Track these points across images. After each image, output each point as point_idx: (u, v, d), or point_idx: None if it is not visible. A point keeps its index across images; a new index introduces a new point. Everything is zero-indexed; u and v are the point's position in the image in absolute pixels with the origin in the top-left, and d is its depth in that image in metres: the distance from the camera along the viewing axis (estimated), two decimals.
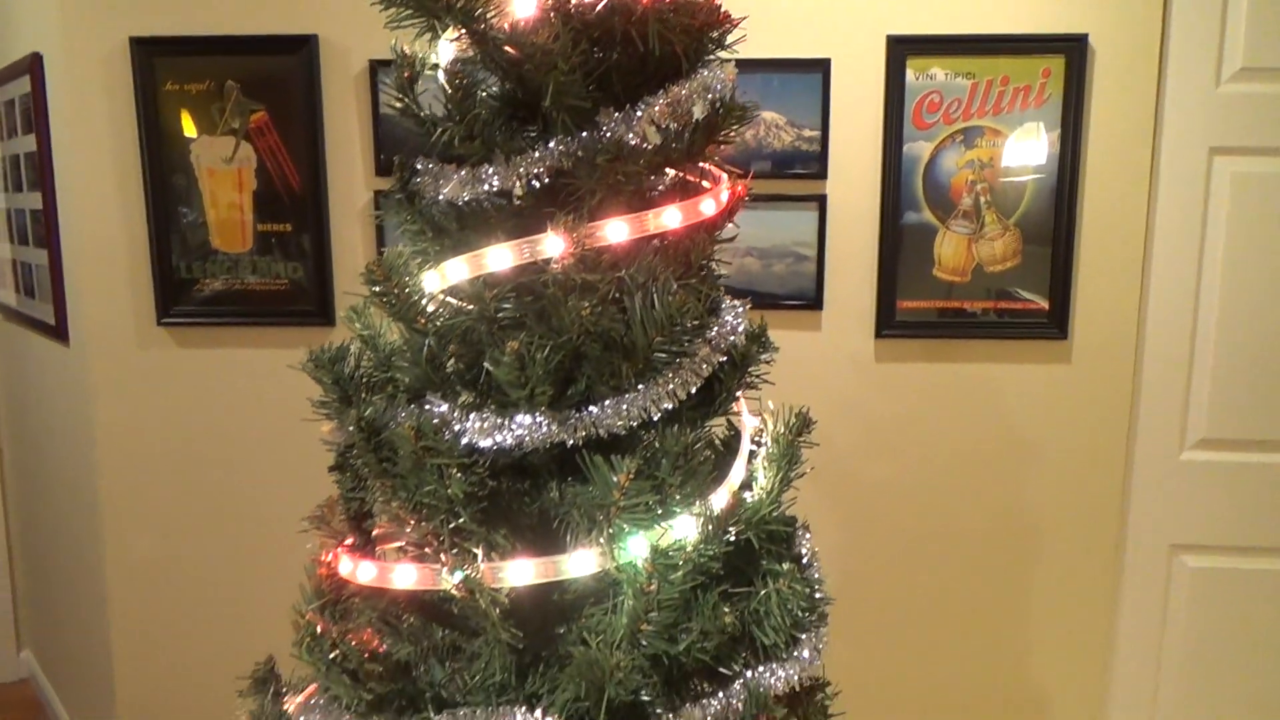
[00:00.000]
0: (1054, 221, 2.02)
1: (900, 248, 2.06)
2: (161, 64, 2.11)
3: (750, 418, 0.73)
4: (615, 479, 0.56)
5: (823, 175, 2.05)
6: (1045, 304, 2.06)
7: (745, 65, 1.99)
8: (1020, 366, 2.09)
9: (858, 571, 2.19)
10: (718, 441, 0.70)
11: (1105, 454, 2.11)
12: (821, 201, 2.06)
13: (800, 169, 2.05)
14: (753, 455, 0.71)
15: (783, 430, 0.69)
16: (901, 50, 2.00)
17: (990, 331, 2.08)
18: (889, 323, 2.09)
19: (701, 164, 0.71)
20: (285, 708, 0.67)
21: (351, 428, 0.60)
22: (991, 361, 2.10)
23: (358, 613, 0.64)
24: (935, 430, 2.13)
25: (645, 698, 0.58)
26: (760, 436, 0.71)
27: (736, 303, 0.70)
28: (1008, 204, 2.03)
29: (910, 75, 2.01)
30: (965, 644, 2.19)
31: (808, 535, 0.75)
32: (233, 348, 2.19)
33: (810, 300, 2.10)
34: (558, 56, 0.55)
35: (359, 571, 0.63)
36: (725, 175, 0.69)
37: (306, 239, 2.14)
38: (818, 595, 0.68)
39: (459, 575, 0.57)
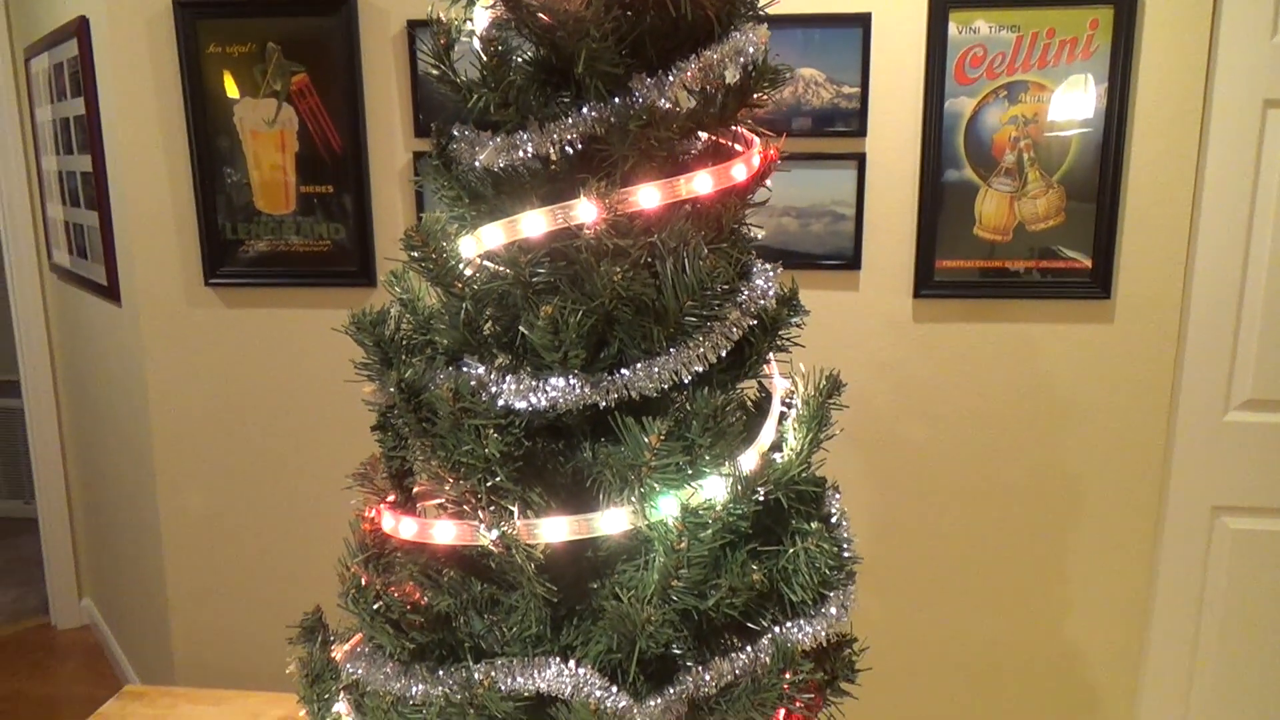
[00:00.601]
0: (1099, 178, 1.98)
1: (940, 206, 2.03)
2: (204, 27, 2.13)
3: (781, 380, 0.74)
4: (646, 440, 0.58)
5: (862, 133, 2.02)
6: (1088, 263, 2.02)
7: (784, 21, 1.98)
8: (1062, 326, 2.07)
9: (894, 531, 2.20)
10: (749, 403, 0.71)
11: (1147, 415, 2.09)
12: (860, 160, 2.04)
13: (839, 127, 2.02)
14: (783, 417, 0.72)
15: (813, 393, 0.70)
16: (944, 3, 1.96)
17: (1032, 291, 2.05)
18: (928, 282, 2.07)
19: (735, 127, 0.71)
20: (332, 655, 0.70)
21: (392, 389, 0.62)
22: (1032, 321, 2.07)
23: (400, 566, 0.67)
24: (974, 391, 2.12)
25: (676, 651, 0.61)
26: (791, 398, 0.72)
27: (768, 266, 0.71)
28: (1051, 161, 1.99)
29: (953, 29, 1.97)
30: (1001, 604, 2.20)
31: (838, 496, 0.76)
32: (278, 308, 2.24)
33: (848, 260, 2.08)
34: (590, 23, 0.55)
35: (401, 527, 0.66)
36: (757, 139, 0.69)
37: (348, 200, 2.17)
38: (845, 554, 0.70)
39: (496, 532, 0.59)
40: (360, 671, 0.66)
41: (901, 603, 2.23)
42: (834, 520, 0.71)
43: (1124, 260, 2.02)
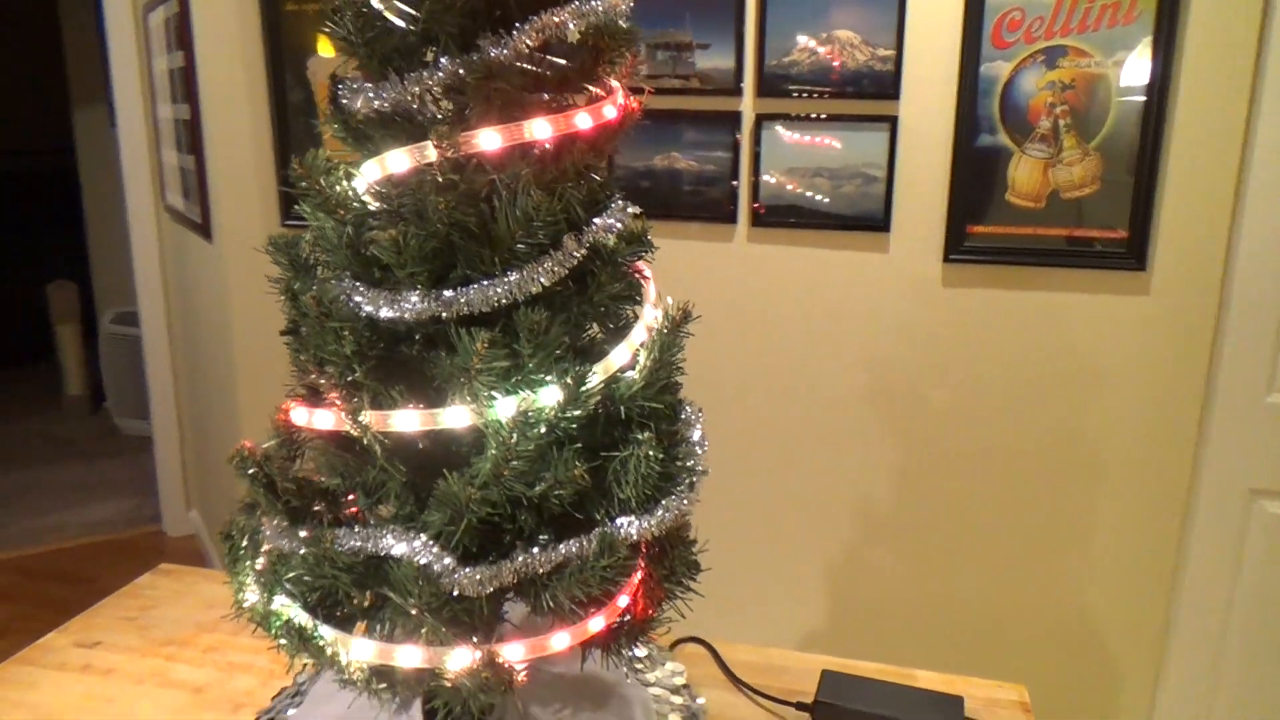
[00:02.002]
0: (1139, 146, 1.94)
1: (973, 171, 2.03)
2: None
3: (651, 310, 0.83)
4: (474, 347, 0.69)
5: (895, 96, 2.04)
6: (1124, 233, 1.99)
7: None
8: (1095, 297, 2.05)
9: (914, 492, 2.23)
10: (612, 329, 0.81)
11: (1182, 392, 2.05)
12: (893, 123, 2.05)
13: (873, 89, 2.05)
14: (644, 344, 0.81)
15: (664, 321, 0.79)
16: None
17: (1064, 260, 2.03)
18: (958, 247, 2.08)
19: (611, 81, 0.79)
20: (262, 525, 0.83)
21: (286, 299, 0.75)
22: (1064, 291, 2.06)
23: (303, 448, 0.81)
24: (1002, 358, 2.12)
25: (507, 528, 0.72)
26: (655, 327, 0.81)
27: (629, 207, 0.80)
28: (1089, 127, 1.96)
29: None
30: (1021, 572, 2.21)
31: (700, 417, 0.85)
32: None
33: (878, 222, 2.11)
34: None
35: (295, 416, 0.79)
36: (615, 93, 0.78)
37: None
38: (681, 465, 0.79)
39: (351, 418, 0.71)
40: (266, 532, 0.80)
41: (918, 564, 2.27)
42: (679, 437, 0.80)
43: (1162, 232, 1.98)
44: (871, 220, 2.12)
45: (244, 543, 0.80)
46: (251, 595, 0.80)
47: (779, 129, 2.11)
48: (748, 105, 2.13)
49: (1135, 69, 1.91)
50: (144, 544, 3.75)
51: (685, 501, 0.79)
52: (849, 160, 2.10)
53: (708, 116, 2.15)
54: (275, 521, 0.77)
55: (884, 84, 2.04)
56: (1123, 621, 2.18)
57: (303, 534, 0.73)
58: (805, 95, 2.08)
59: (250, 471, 0.74)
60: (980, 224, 2.06)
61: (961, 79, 2.00)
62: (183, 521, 3.78)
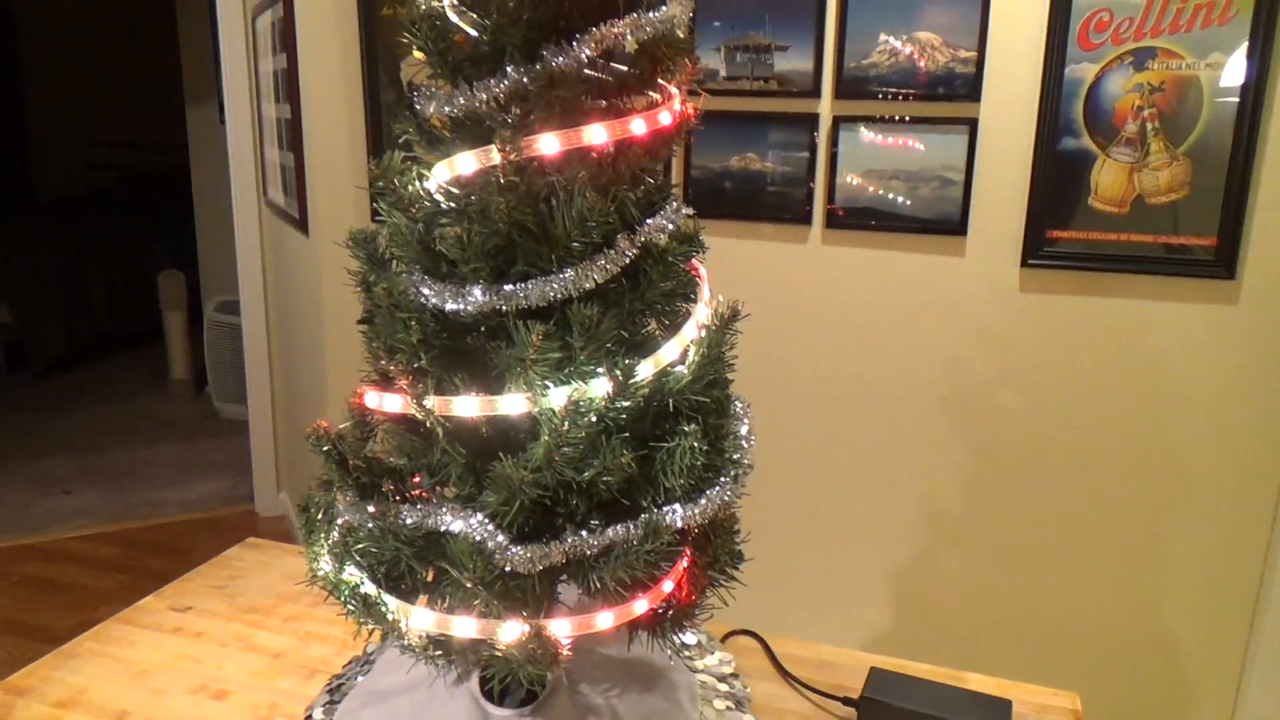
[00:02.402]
0: (1230, 152, 1.89)
1: (1054, 175, 2.00)
2: None
3: (704, 308, 0.87)
4: (530, 339, 0.73)
5: (976, 98, 2.02)
6: (1213, 241, 1.93)
7: None
8: (1180, 306, 1.99)
9: (985, 497, 2.21)
10: (668, 325, 0.85)
11: (1270, 405, 1.98)
12: (973, 125, 2.04)
13: (953, 90, 2.03)
14: (695, 341, 0.84)
15: (715, 320, 0.82)
16: None
17: (1149, 267, 1.99)
18: (1037, 252, 2.05)
19: (670, 87, 0.83)
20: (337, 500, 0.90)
21: (362, 291, 0.81)
22: (1148, 299, 2.01)
23: (374, 430, 0.87)
24: (1081, 366, 2.08)
25: (560, 511, 0.76)
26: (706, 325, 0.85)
27: (684, 209, 0.83)
28: (1178, 131, 1.91)
29: None
30: (1094, 584, 2.17)
31: (748, 412, 0.88)
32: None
33: (955, 226, 2.10)
34: (495, 4, 0.71)
35: (367, 399, 0.85)
36: (672, 100, 0.81)
37: None
38: (725, 458, 0.82)
39: (416, 402, 0.76)
40: (340, 507, 0.86)
41: (986, 570, 2.24)
42: (724, 430, 0.83)
43: (1253, 240, 1.92)
44: (948, 223, 2.10)
45: (319, 516, 0.86)
46: (325, 565, 0.86)
47: (856, 130, 2.12)
48: (825, 107, 2.13)
49: (1229, 71, 1.86)
50: (237, 522, 3.94)
51: (730, 493, 0.82)
52: (926, 163, 2.09)
53: (785, 118, 2.16)
54: (347, 496, 0.83)
55: (964, 86, 2.02)
56: (1200, 640, 2.12)
57: (370, 509, 0.79)
58: (884, 97, 2.08)
59: (325, 449, 0.80)
60: (1061, 229, 2.03)
61: (1045, 81, 1.97)
62: (273, 502, 3.96)
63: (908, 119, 2.08)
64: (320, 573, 0.86)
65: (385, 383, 0.86)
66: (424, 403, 0.77)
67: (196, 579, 1.42)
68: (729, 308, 0.83)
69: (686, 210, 0.83)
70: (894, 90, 2.07)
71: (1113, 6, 1.90)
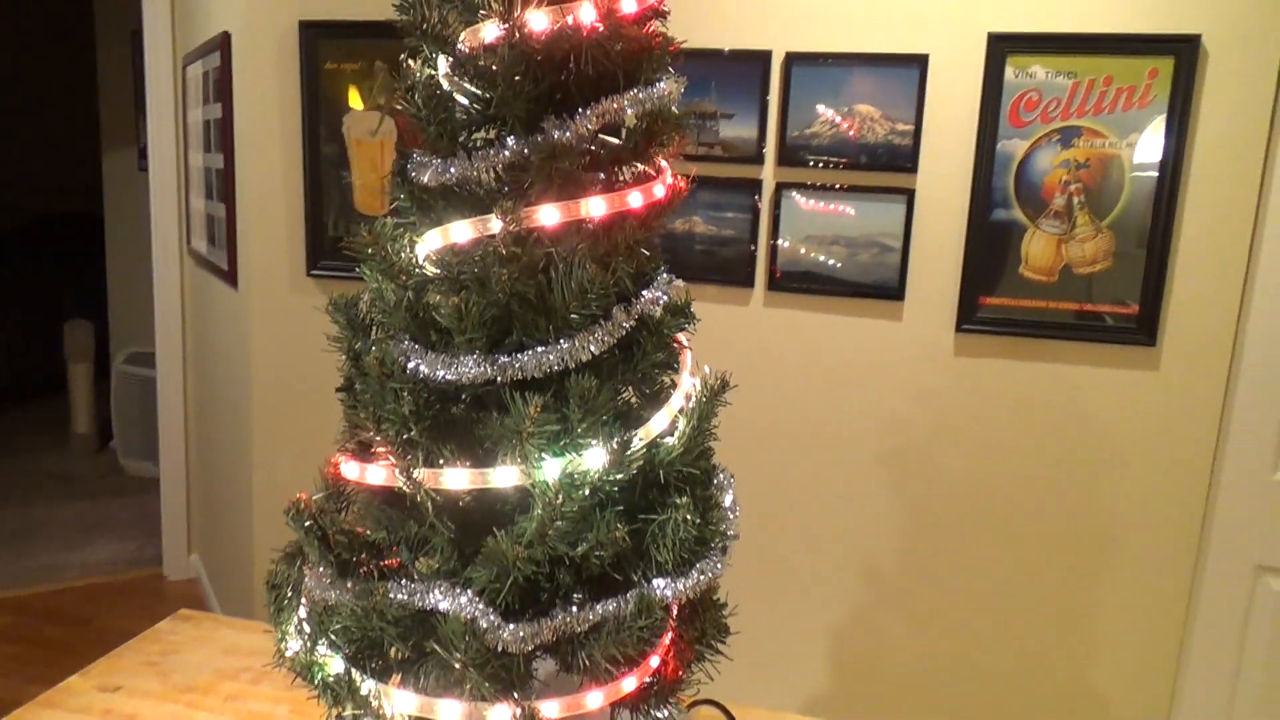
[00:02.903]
0: (1151, 226, 1.99)
1: (987, 244, 2.08)
2: (324, 45, 2.39)
3: (689, 378, 0.87)
4: (527, 410, 0.72)
5: (913, 169, 2.10)
6: (1135, 309, 2.03)
7: (844, 59, 2.09)
8: (1105, 371, 2.08)
9: (924, 557, 2.24)
10: (648, 394, 0.84)
11: (1190, 467, 2.07)
12: (910, 195, 2.11)
13: (891, 162, 2.10)
14: (683, 411, 0.84)
15: (703, 390, 0.82)
16: (1002, 48, 2.02)
17: (1076, 334, 2.07)
18: (970, 318, 2.12)
19: (660, 161, 0.84)
20: (304, 570, 0.86)
21: (346, 357, 0.78)
22: (1075, 364, 2.09)
23: (350, 502, 0.83)
24: (1013, 428, 2.15)
25: (544, 588, 0.74)
26: (693, 395, 0.85)
27: (675, 280, 0.84)
28: (1103, 205, 2.02)
29: (1009, 73, 2.02)
30: (1028, 642, 2.21)
31: (732, 482, 0.88)
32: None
33: (893, 291, 2.16)
34: (500, 76, 0.70)
35: (348, 470, 0.82)
36: (665, 173, 0.82)
37: None
38: (714, 529, 0.82)
39: (404, 476, 0.74)
40: (311, 583, 0.82)
41: (926, 629, 2.27)
42: (713, 502, 0.83)
43: (1173, 309, 2.02)
44: (886, 289, 2.16)
45: (289, 592, 0.82)
46: (294, 644, 0.82)
47: (798, 197, 2.17)
48: (768, 173, 2.19)
49: (1148, 150, 1.97)
50: (144, 587, 3.74)
51: (719, 565, 0.81)
52: (866, 229, 2.15)
53: (729, 183, 2.21)
54: (323, 572, 0.79)
55: (902, 157, 2.10)
56: (1129, 696, 2.17)
57: (353, 586, 0.75)
58: (825, 165, 2.14)
59: (306, 524, 0.77)
60: (993, 296, 2.10)
61: (978, 155, 2.06)
62: (184, 565, 3.77)
63: (848, 187, 2.14)
64: (290, 653, 0.81)
65: (363, 452, 0.83)
66: (413, 475, 0.74)
67: (126, 655, 1.33)
68: (718, 379, 0.83)
69: (677, 282, 0.83)
70: (834, 159, 2.14)
71: (1041, 88, 2.01)
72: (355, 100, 2.39)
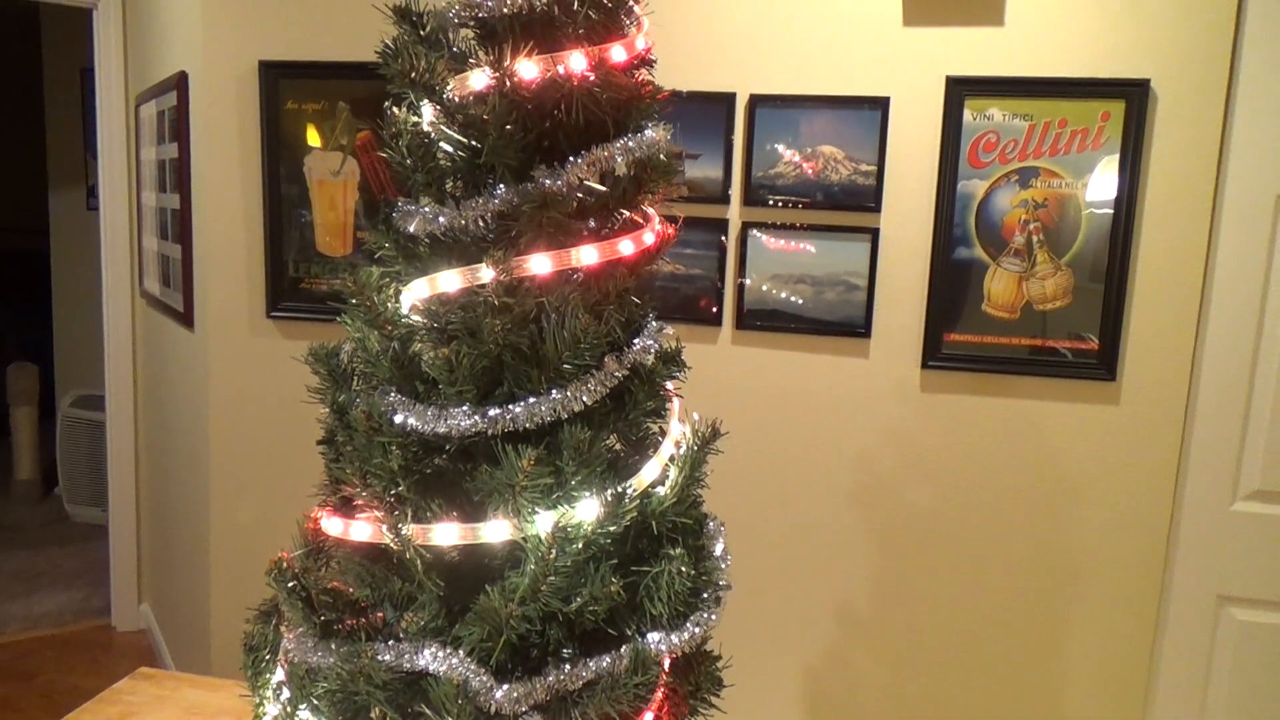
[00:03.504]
0: (1108, 264, 2.04)
1: (950, 282, 2.11)
2: (285, 85, 2.37)
3: (678, 425, 0.86)
4: (520, 464, 0.70)
5: (877, 208, 2.13)
6: (1095, 345, 2.07)
7: (808, 101, 2.11)
8: (1067, 405, 2.11)
9: (893, 594, 2.24)
10: (635, 440, 0.83)
11: (1152, 499, 2.11)
12: (874, 234, 2.14)
13: (855, 202, 2.13)
14: (674, 458, 0.83)
15: (693, 438, 0.81)
16: (960, 91, 2.06)
17: (1037, 369, 2.10)
18: (936, 354, 2.14)
19: (646, 208, 0.83)
20: (282, 632, 0.83)
21: (328, 409, 0.76)
22: (1038, 399, 2.12)
23: (329, 558, 0.81)
24: (978, 463, 2.17)
25: (533, 644, 0.72)
26: (682, 442, 0.84)
27: (665, 328, 0.83)
28: (1061, 244, 2.06)
29: (968, 115, 2.07)
30: (997, 677, 2.22)
31: (722, 530, 0.86)
32: (330, 341, 2.43)
33: (859, 328, 2.18)
34: (491, 125, 0.69)
35: (329, 525, 0.79)
36: (653, 220, 0.82)
37: None
38: (715, 581, 0.80)
39: (392, 532, 0.72)
40: (291, 645, 0.79)
41: (897, 666, 2.26)
42: (705, 552, 0.82)
43: (1131, 344, 2.07)
44: (853, 326, 2.18)
45: (266, 655, 0.79)
46: (272, 709, 0.78)
47: (764, 236, 2.19)
48: (734, 213, 2.20)
49: (1103, 189, 2.02)
50: (91, 638, 3.60)
51: (713, 616, 0.80)
52: (831, 268, 2.17)
53: (696, 222, 2.22)
54: (309, 635, 0.76)
55: (866, 197, 2.13)
56: None
57: (338, 648, 0.72)
58: (790, 205, 2.16)
59: (289, 585, 0.74)
60: (957, 332, 2.13)
61: (939, 195, 2.09)
62: (133, 615, 3.65)
63: (813, 226, 2.16)
64: (268, 718, 0.78)
65: (345, 507, 0.81)
66: (402, 532, 0.72)
67: (83, 718, 1.27)
68: (709, 426, 0.82)
69: (667, 329, 0.83)
70: (799, 199, 2.16)
71: (998, 129, 2.06)
72: (314, 139, 2.37)
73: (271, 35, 2.36)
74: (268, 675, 0.79)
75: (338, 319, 0.79)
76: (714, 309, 2.24)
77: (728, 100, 2.17)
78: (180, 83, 2.54)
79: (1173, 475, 2.10)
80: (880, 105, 2.10)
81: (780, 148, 2.16)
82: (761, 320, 2.23)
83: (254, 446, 2.50)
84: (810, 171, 2.15)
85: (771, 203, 2.17)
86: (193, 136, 2.52)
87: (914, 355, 2.17)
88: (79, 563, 4.19)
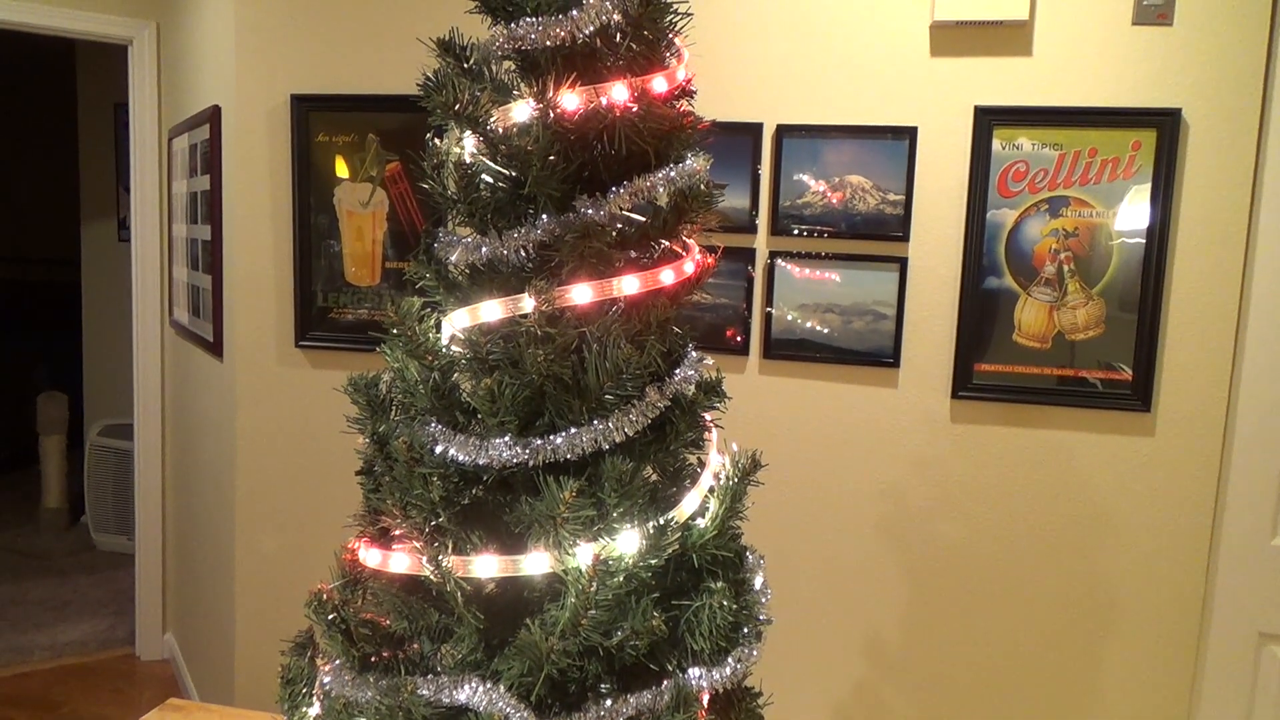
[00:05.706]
0: (1140, 293, 2.02)
1: (980, 312, 2.10)
2: (315, 118, 2.40)
3: (717, 456, 0.85)
4: (562, 495, 0.70)
5: (905, 238, 2.12)
6: (1129, 374, 2.05)
7: (835, 131, 2.12)
8: (1101, 437, 2.08)
9: (924, 627, 2.21)
10: (672, 471, 0.82)
11: (1189, 533, 2.07)
12: (903, 264, 2.13)
13: (883, 231, 2.13)
14: (713, 490, 0.82)
15: (733, 471, 0.80)
16: (988, 120, 2.06)
17: (1070, 400, 2.08)
18: (966, 384, 2.12)
19: (685, 238, 0.83)
20: (318, 664, 0.82)
21: (367, 439, 0.76)
22: (1070, 430, 2.10)
23: (367, 590, 0.80)
24: (1010, 495, 2.14)
25: (572, 679, 0.71)
26: (722, 474, 0.83)
27: (705, 358, 0.82)
28: (1092, 273, 2.04)
29: (996, 144, 2.06)
30: (1031, 713, 2.17)
31: (762, 563, 0.85)
32: (358, 370, 2.44)
33: (888, 358, 2.16)
34: (534, 156, 0.70)
35: (368, 557, 0.79)
36: (693, 250, 0.81)
37: None
38: (756, 616, 0.79)
39: (433, 564, 0.71)
40: (328, 678, 0.78)
41: (928, 703, 2.22)
42: (746, 585, 0.80)
43: (1165, 374, 2.04)
44: (881, 356, 2.16)
45: (304, 689, 0.78)
46: None
47: (791, 266, 2.18)
48: (761, 242, 2.20)
49: (1135, 219, 2.01)
50: (115, 668, 3.60)
51: (754, 652, 0.78)
52: (859, 297, 2.16)
53: (724, 252, 2.21)
54: (341, 666, 0.75)
55: (893, 227, 2.12)
56: None
57: (377, 682, 0.72)
58: (817, 234, 2.16)
59: (330, 617, 0.73)
60: (987, 363, 2.11)
61: (969, 224, 2.08)
62: (158, 645, 3.65)
63: (840, 255, 2.16)
64: None
65: (383, 538, 0.80)
66: (442, 564, 0.71)
67: None
68: (749, 457, 0.81)
69: (707, 359, 0.82)
70: (826, 228, 2.16)
71: (1028, 159, 2.05)
72: (343, 170, 2.40)
73: (303, 69, 2.39)
74: (304, 709, 0.78)
75: (377, 349, 0.79)
76: (741, 338, 2.24)
77: (755, 131, 2.18)
78: (213, 116, 2.58)
79: (1210, 509, 2.06)
80: (908, 135, 2.10)
81: (807, 178, 2.16)
82: (789, 350, 2.22)
83: (280, 476, 2.51)
84: (837, 201, 2.15)
85: (798, 232, 2.17)
86: (225, 168, 2.55)
87: (944, 385, 2.15)
88: (104, 592, 4.20)
